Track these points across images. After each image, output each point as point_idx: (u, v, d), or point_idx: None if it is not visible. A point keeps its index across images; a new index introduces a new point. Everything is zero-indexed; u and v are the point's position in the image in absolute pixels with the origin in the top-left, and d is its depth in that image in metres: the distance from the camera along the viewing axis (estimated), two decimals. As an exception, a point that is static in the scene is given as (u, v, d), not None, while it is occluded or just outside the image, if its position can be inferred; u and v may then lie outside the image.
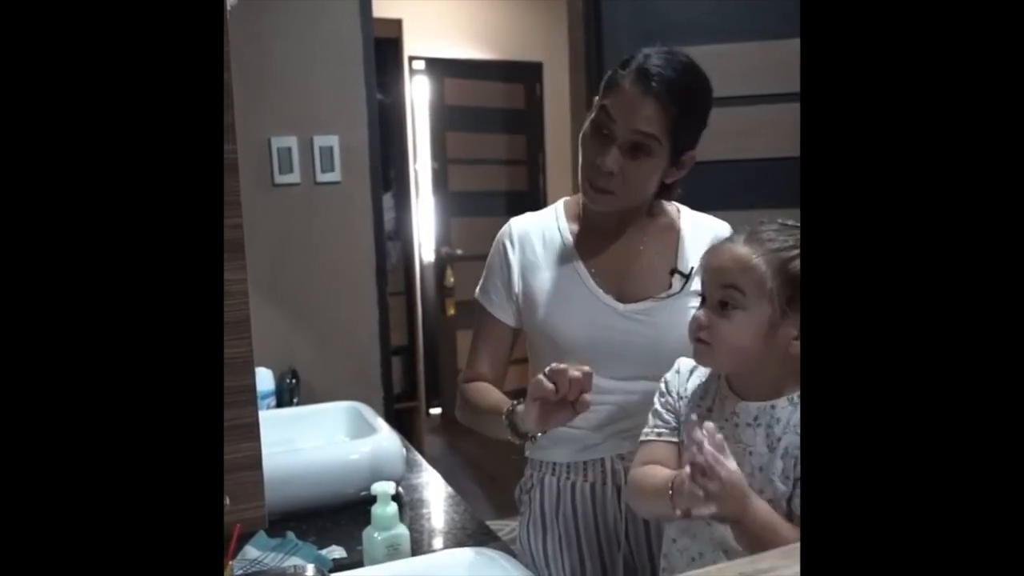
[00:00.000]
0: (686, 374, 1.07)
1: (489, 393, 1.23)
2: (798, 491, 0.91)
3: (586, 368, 1.02)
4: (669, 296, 1.18)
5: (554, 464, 1.25)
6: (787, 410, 0.94)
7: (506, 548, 1.10)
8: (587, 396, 1.02)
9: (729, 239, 0.99)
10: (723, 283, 0.94)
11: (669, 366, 1.12)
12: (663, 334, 1.16)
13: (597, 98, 1.17)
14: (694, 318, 0.98)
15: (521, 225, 1.27)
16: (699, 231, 1.22)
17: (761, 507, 0.88)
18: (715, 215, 1.28)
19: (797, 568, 0.55)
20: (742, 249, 0.95)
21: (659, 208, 1.26)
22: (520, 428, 1.11)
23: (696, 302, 1.18)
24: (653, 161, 1.14)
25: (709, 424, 0.88)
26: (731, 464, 0.85)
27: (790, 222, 0.97)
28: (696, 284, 1.17)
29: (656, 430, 1.06)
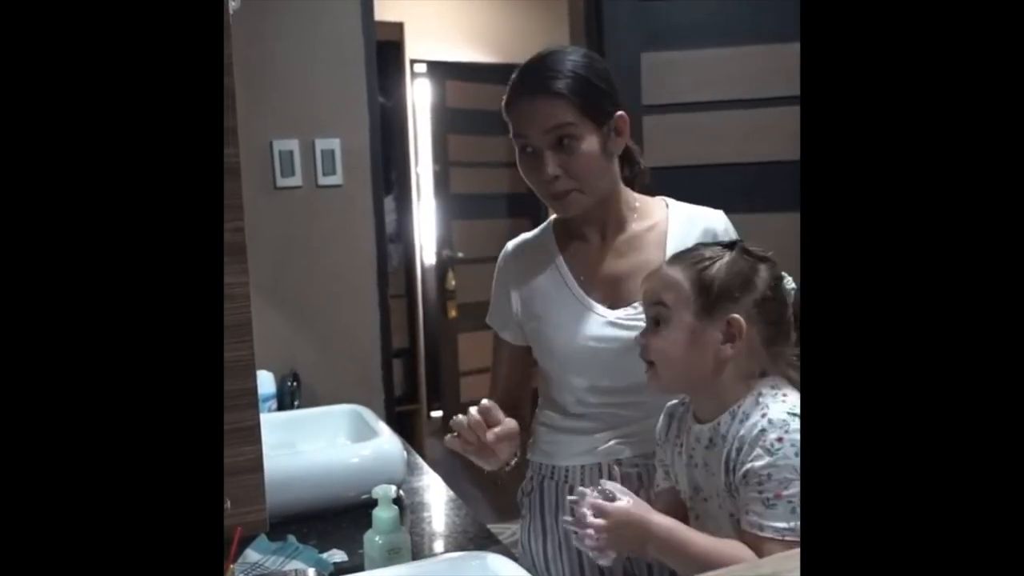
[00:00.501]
0: (664, 416, 1.10)
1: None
2: (740, 513, 0.93)
3: (483, 404, 1.09)
4: None
5: (553, 468, 1.26)
6: (729, 425, 0.95)
7: (507, 552, 1.10)
8: (495, 431, 1.08)
9: (654, 268, 1.05)
10: (653, 302, 1.01)
11: None
12: None
13: (511, 130, 1.20)
14: (636, 340, 1.03)
15: (515, 246, 1.31)
16: (688, 225, 1.21)
17: (663, 524, 0.92)
18: None
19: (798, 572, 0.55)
20: (667, 269, 1.01)
21: (642, 204, 1.25)
22: (487, 471, 1.17)
23: None
24: (584, 142, 1.14)
25: (581, 489, 0.95)
26: (611, 506, 0.91)
27: (715, 242, 1.05)
28: None
29: (656, 481, 1.11)
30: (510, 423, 1.12)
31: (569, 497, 0.99)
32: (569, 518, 0.95)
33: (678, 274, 0.99)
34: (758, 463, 0.89)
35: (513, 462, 1.20)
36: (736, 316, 0.95)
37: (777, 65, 2.20)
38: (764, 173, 2.26)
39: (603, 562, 0.93)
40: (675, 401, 1.09)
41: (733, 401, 0.96)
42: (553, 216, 1.31)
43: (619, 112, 1.18)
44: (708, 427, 0.98)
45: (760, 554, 0.89)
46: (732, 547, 0.91)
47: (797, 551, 0.55)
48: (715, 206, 1.26)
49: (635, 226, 1.23)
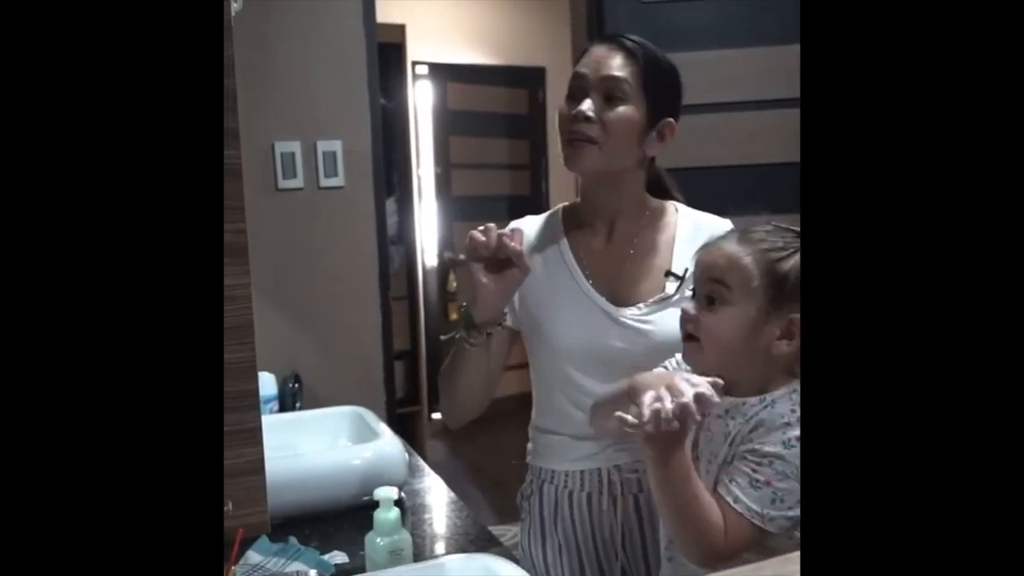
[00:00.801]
0: (673, 364, 1.08)
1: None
2: (723, 476, 0.92)
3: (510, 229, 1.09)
4: (662, 300, 1.17)
5: (552, 472, 1.25)
6: (755, 407, 0.94)
7: (508, 554, 1.10)
8: (515, 246, 1.07)
9: (722, 237, 1.01)
10: (711, 278, 0.96)
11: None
12: (657, 339, 1.14)
13: (575, 64, 1.21)
14: (683, 312, 0.99)
15: (519, 226, 1.26)
16: (697, 231, 1.20)
17: (685, 460, 0.88)
18: None
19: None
20: (732, 247, 0.96)
21: (654, 207, 1.25)
22: (473, 315, 1.13)
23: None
24: (628, 108, 1.15)
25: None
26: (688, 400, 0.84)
27: (784, 225, 0.99)
28: (689, 286, 1.18)
29: None
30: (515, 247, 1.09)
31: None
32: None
33: (748, 258, 0.94)
34: (767, 447, 0.89)
35: (503, 324, 1.17)
36: (798, 317, 0.92)
37: (778, 67, 2.20)
38: (765, 175, 2.26)
39: (649, 428, 0.84)
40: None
41: (766, 389, 0.95)
42: (562, 204, 1.30)
43: (670, 121, 1.20)
44: (730, 401, 0.96)
45: (729, 523, 0.89)
46: (710, 506, 0.89)
47: (797, 555, 0.55)
48: (716, 208, 1.26)
49: (644, 226, 1.23)
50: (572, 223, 1.26)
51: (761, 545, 0.90)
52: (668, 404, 0.83)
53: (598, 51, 1.18)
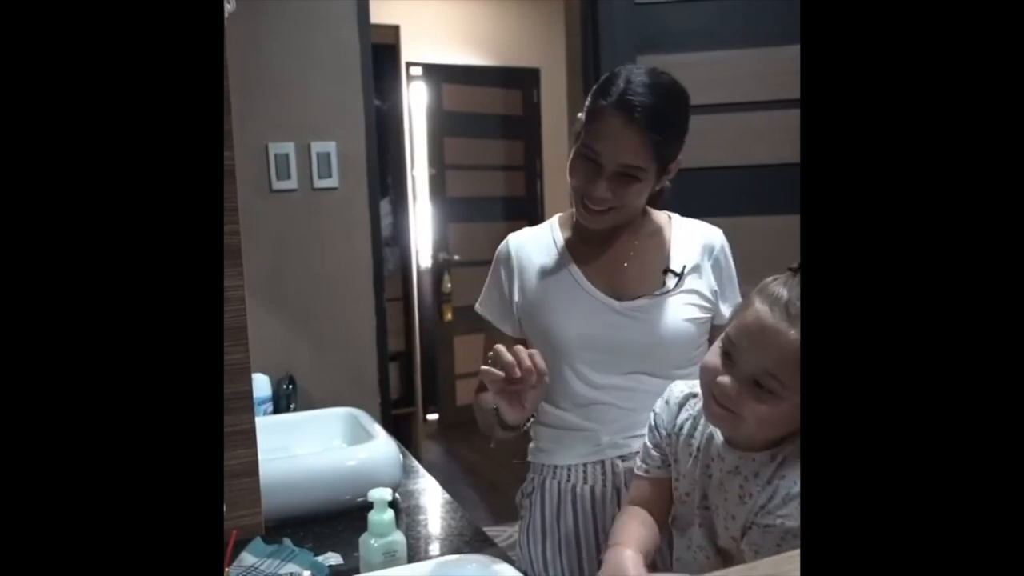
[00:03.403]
0: (675, 407, 1.05)
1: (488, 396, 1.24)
2: (746, 536, 0.92)
3: (524, 349, 1.02)
4: (664, 293, 1.21)
5: (555, 467, 1.26)
6: (767, 466, 0.92)
7: (503, 555, 1.10)
8: (538, 362, 1.01)
9: (774, 314, 0.89)
10: (764, 368, 0.88)
11: (665, 361, 1.15)
12: (659, 329, 1.19)
13: (581, 119, 1.19)
14: (720, 382, 0.91)
15: (518, 238, 1.32)
16: (688, 238, 1.26)
17: None
18: (715, 221, 1.30)
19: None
20: (793, 335, 0.87)
21: (649, 215, 1.29)
22: (507, 422, 1.12)
23: (690, 299, 1.19)
24: (642, 184, 1.17)
25: None
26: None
27: None
28: (688, 283, 1.20)
29: (644, 466, 1.07)
30: (539, 363, 1.04)
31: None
32: None
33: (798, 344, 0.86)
34: (788, 523, 0.88)
35: (530, 423, 1.16)
36: None
37: (774, 68, 2.21)
38: (763, 176, 2.26)
39: None
40: (686, 391, 1.05)
41: (776, 444, 0.93)
42: (557, 215, 1.33)
43: (677, 160, 1.21)
44: (738, 455, 0.94)
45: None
46: None
47: (796, 552, 0.55)
48: (714, 209, 1.28)
49: (641, 232, 1.27)
50: (570, 229, 1.30)
51: None
52: None
53: (613, 123, 1.13)
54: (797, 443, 0.91)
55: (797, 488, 0.89)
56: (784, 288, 0.89)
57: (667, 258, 1.24)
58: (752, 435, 0.93)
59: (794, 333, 0.86)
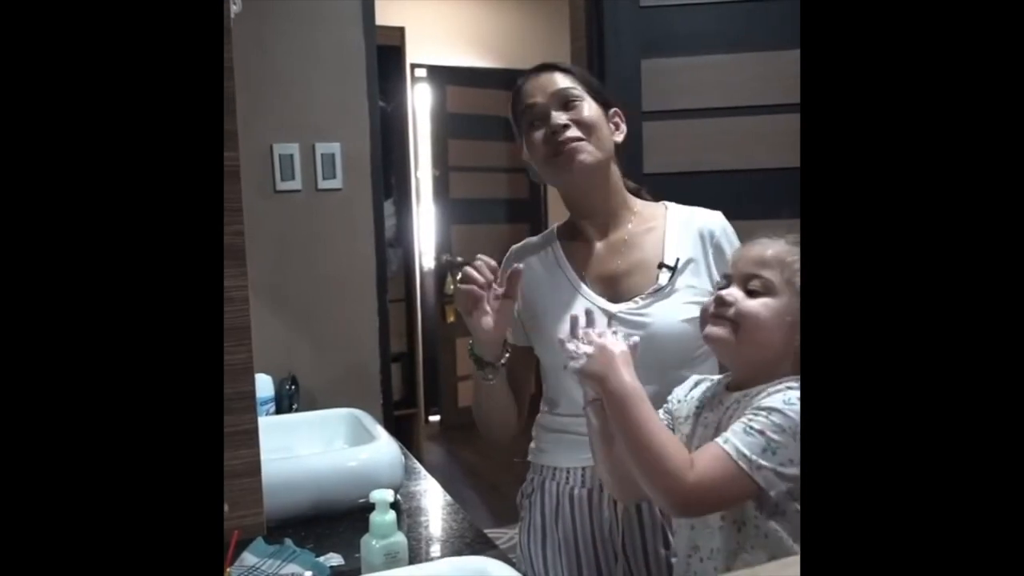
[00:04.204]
0: (690, 385, 1.09)
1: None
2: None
3: (491, 262, 1.18)
4: (657, 291, 1.20)
5: (554, 469, 1.27)
6: (763, 390, 0.94)
7: (504, 557, 1.10)
8: (488, 261, 1.18)
9: (763, 237, 1.02)
10: (753, 272, 0.97)
11: (665, 363, 1.15)
12: (656, 330, 1.17)
13: (518, 127, 1.28)
14: (716, 297, 0.99)
15: (518, 248, 1.35)
16: (684, 226, 1.25)
17: (626, 378, 0.93)
18: None
19: (796, 579, 0.55)
20: (777, 245, 0.98)
21: (642, 208, 1.30)
22: (481, 355, 1.22)
23: (687, 296, 1.20)
24: (587, 103, 1.23)
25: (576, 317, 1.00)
26: (603, 340, 0.96)
27: None
28: (686, 279, 1.20)
29: None
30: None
31: (572, 314, 1.02)
32: (566, 335, 0.99)
33: (793, 256, 0.95)
34: (766, 402, 0.89)
35: (504, 359, 1.23)
36: None
37: (778, 72, 2.21)
38: (764, 180, 2.26)
39: (571, 366, 0.96)
40: (700, 378, 1.08)
41: (778, 377, 0.95)
42: (556, 223, 1.35)
43: (616, 109, 1.28)
44: (739, 393, 0.97)
45: (703, 462, 0.88)
46: (674, 443, 0.90)
47: (796, 559, 0.55)
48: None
49: (634, 227, 1.27)
50: (566, 236, 1.32)
51: (743, 496, 0.88)
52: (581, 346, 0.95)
53: (534, 81, 1.26)
54: (795, 376, 0.93)
55: (784, 385, 0.91)
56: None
57: (661, 251, 1.23)
58: (748, 347, 0.96)
59: (780, 244, 0.98)
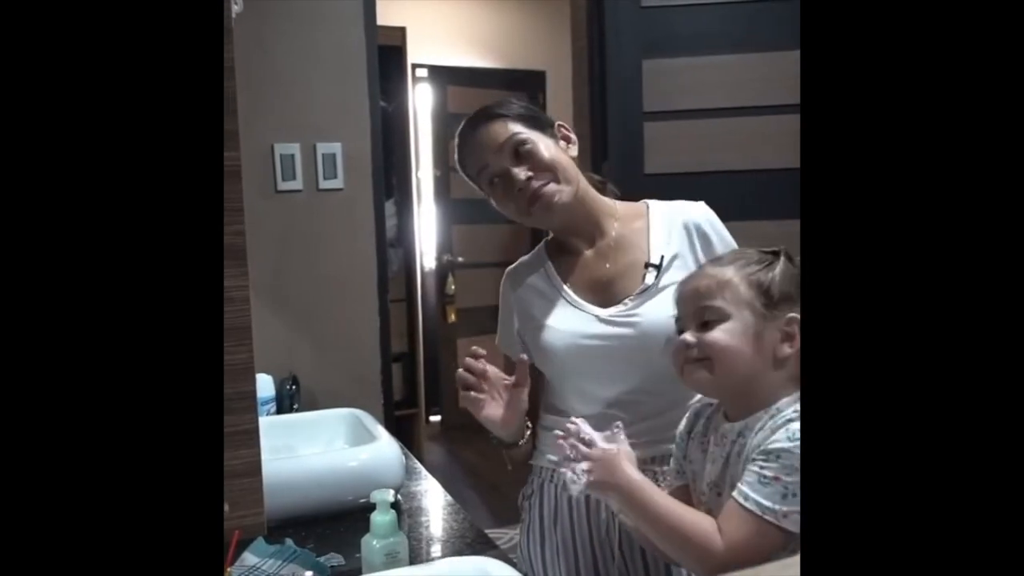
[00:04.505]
0: (691, 418, 1.09)
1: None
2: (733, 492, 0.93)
3: (480, 351, 1.19)
4: (644, 291, 1.20)
5: (553, 472, 1.27)
6: (762, 421, 0.94)
7: (505, 557, 1.10)
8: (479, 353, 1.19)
9: (695, 272, 1.05)
10: (702, 304, 0.97)
11: (657, 365, 1.15)
12: (646, 328, 1.18)
13: (476, 183, 1.28)
14: (678, 344, 0.99)
15: (512, 270, 1.36)
16: (667, 222, 1.25)
17: (634, 476, 0.95)
18: None
19: (797, 580, 0.55)
20: (710, 271, 1.00)
21: (624, 210, 1.30)
22: (507, 440, 1.25)
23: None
24: (539, 144, 1.22)
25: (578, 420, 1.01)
26: (604, 444, 0.97)
27: (745, 249, 1.05)
28: (673, 275, 1.19)
29: (668, 479, 1.10)
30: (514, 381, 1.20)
31: (568, 425, 1.02)
32: (561, 439, 1.00)
33: (731, 275, 0.97)
34: (773, 445, 0.89)
35: (526, 436, 1.26)
36: (796, 315, 0.94)
37: (780, 72, 2.21)
38: (764, 180, 2.26)
39: (573, 490, 0.97)
40: (700, 401, 1.08)
41: (772, 402, 0.95)
42: (545, 239, 1.36)
43: (559, 124, 1.28)
44: (740, 424, 0.96)
45: (730, 525, 0.88)
46: (694, 515, 0.92)
47: (796, 559, 0.55)
48: (719, 213, 1.27)
49: (617, 231, 1.28)
50: (555, 251, 1.33)
51: (784, 548, 0.88)
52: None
53: (476, 140, 1.24)
54: (790, 398, 0.94)
55: (785, 419, 0.91)
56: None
57: (647, 251, 1.23)
58: (728, 376, 0.96)
59: (713, 269, 1.00)
